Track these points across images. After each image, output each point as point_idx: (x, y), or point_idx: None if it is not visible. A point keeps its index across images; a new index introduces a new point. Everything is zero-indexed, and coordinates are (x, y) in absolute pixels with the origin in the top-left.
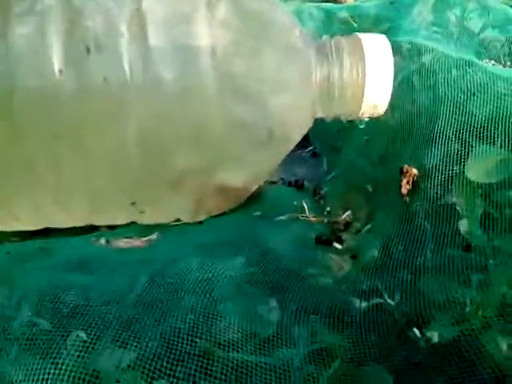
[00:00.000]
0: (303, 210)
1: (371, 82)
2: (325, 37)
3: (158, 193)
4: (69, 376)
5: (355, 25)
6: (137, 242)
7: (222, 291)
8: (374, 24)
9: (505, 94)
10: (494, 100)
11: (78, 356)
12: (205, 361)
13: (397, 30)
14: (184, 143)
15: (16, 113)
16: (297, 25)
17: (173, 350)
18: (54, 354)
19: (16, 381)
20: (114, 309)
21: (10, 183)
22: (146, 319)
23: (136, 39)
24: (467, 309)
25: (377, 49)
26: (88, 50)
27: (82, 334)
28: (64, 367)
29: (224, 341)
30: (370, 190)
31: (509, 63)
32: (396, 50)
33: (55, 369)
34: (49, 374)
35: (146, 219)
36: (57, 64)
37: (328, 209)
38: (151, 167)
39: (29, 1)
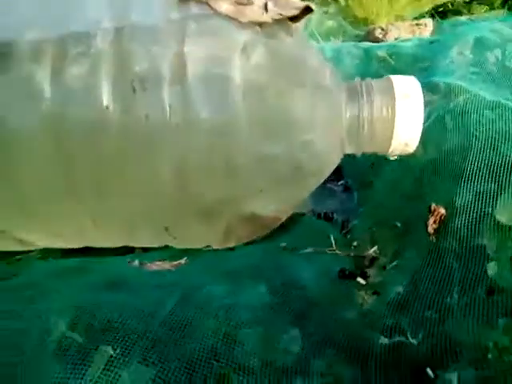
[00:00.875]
0: (330, 243)
1: (401, 120)
2: (356, 79)
3: (190, 221)
4: None
5: (393, 63)
6: (167, 266)
7: (242, 318)
8: (412, 63)
9: None
10: None
11: (104, 369)
12: None
13: (433, 70)
14: (215, 177)
15: (66, 140)
16: (328, 66)
17: (191, 372)
18: (82, 366)
19: None
20: (141, 327)
21: (54, 203)
22: (169, 341)
23: (176, 81)
24: (490, 354)
25: (407, 88)
26: (134, 90)
27: (109, 350)
28: (89, 378)
29: (242, 366)
30: (399, 226)
31: None
32: (430, 89)
33: (81, 379)
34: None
35: (179, 244)
36: (105, 100)
37: (355, 243)
38: (184, 197)
39: (85, 45)
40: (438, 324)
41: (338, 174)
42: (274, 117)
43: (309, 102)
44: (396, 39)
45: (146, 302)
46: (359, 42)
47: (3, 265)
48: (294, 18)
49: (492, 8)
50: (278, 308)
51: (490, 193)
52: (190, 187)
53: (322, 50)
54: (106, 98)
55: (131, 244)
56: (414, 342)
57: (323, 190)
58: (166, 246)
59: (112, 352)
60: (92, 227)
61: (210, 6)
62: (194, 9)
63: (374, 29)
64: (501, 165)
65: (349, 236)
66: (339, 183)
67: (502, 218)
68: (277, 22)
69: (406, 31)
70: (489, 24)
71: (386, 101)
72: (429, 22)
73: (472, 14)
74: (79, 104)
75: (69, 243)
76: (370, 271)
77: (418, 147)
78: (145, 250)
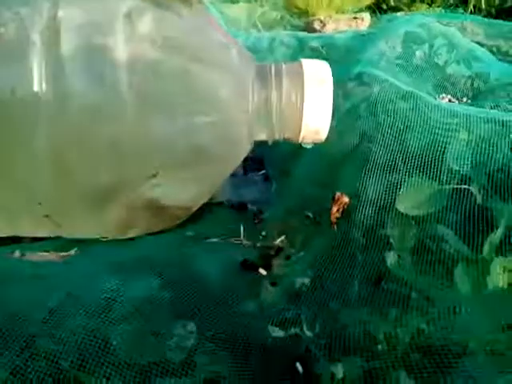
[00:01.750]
0: (239, 234)
1: (310, 106)
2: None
3: (74, 208)
4: None
5: (324, 53)
6: (52, 257)
7: (117, 314)
8: (344, 54)
9: (439, 128)
10: (429, 133)
11: None
12: None
13: (362, 62)
14: (98, 159)
15: None
16: (234, 45)
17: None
18: None
19: None
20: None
21: None
22: (42, 337)
23: (48, 49)
24: (379, 346)
25: (318, 74)
26: None
27: None
28: None
29: (105, 365)
30: (311, 216)
31: (465, 99)
32: (348, 78)
33: None
34: None
35: (68, 234)
36: None
37: (264, 233)
38: (64, 182)
39: None
40: (335, 316)
41: (259, 163)
42: (163, 95)
43: (207, 80)
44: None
45: (23, 297)
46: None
47: None
48: None
49: (432, 5)
50: (168, 301)
51: (393, 183)
52: (69, 171)
53: (259, 39)
54: None
55: (15, 233)
56: (309, 334)
57: (244, 179)
58: (58, 237)
59: None
60: None
61: None
62: None
63: (313, 21)
64: (403, 155)
65: (259, 226)
66: (260, 173)
67: (401, 207)
68: None
69: (344, 24)
70: (419, 19)
71: (295, 86)
72: (366, 16)
73: (411, 11)
74: None
75: None
76: (275, 262)
77: (332, 135)
78: (34, 239)
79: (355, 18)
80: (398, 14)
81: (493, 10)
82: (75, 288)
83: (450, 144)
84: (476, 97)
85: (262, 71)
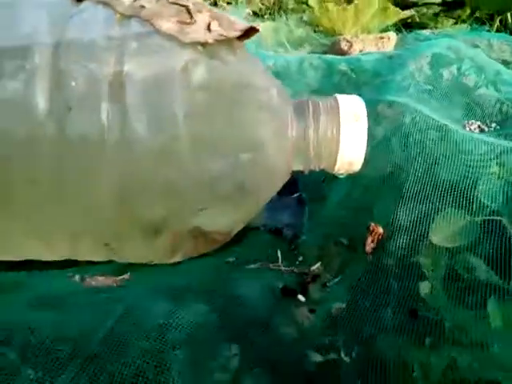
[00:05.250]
0: (277, 259)
1: (345, 142)
2: (305, 96)
3: (131, 237)
4: None
5: (354, 76)
6: (108, 281)
7: (173, 339)
8: (371, 77)
9: (471, 160)
10: (461, 166)
11: None
12: None
13: (390, 85)
14: (154, 195)
15: (2, 156)
16: (274, 84)
17: None
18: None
19: None
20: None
21: None
22: (103, 360)
23: (115, 100)
24: (414, 373)
25: (352, 110)
26: (69, 108)
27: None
28: None
29: None
30: (345, 243)
31: (494, 125)
32: (382, 107)
33: None
34: None
35: (119, 258)
36: (41, 117)
37: (300, 258)
38: (124, 215)
39: (21, 60)
40: (371, 342)
41: (293, 186)
42: (213, 136)
43: (251, 122)
44: (360, 51)
45: (84, 320)
46: (325, 52)
47: None
48: (239, 38)
49: (459, 21)
50: (216, 325)
51: (426, 214)
52: (129, 205)
53: (289, 62)
54: (42, 115)
55: (74, 257)
56: (346, 359)
57: (277, 202)
58: (110, 260)
59: (33, 375)
60: (32, 239)
61: (151, 24)
62: (135, 27)
63: (340, 41)
64: (436, 187)
65: (296, 251)
66: (293, 196)
67: (434, 238)
68: (220, 42)
69: (370, 44)
70: (447, 41)
71: (332, 122)
72: (392, 35)
73: (437, 28)
74: (14, 120)
75: (3, 255)
76: (312, 287)
77: (365, 165)
78: (88, 262)
79: (381, 37)
80: (424, 31)
81: None
82: (131, 311)
83: (481, 177)
84: (505, 122)
85: (300, 108)
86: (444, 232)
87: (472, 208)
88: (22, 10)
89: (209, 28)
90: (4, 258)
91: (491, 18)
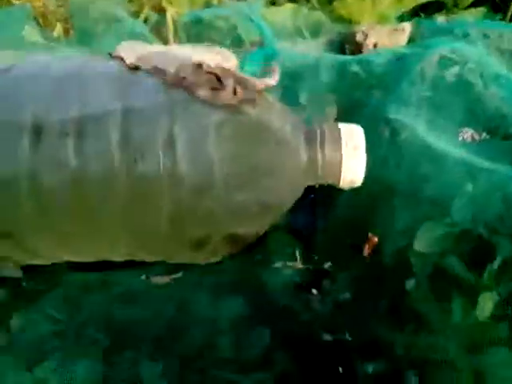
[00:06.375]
0: (295, 257)
1: (346, 166)
2: (314, 123)
3: (181, 249)
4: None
5: (363, 78)
6: (166, 279)
7: (221, 327)
8: (379, 81)
9: (450, 179)
10: (441, 184)
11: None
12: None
13: (394, 91)
14: (200, 219)
15: (88, 196)
16: (289, 119)
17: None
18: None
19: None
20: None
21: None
22: (169, 344)
23: (168, 153)
24: (398, 351)
25: (352, 141)
26: (135, 160)
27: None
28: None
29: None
30: (352, 243)
31: (484, 134)
32: (381, 123)
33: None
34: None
35: (171, 262)
36: (115, 168)
37: (316, 257)
38: (176, 234)
39: (98, 125)
40: (369, 325)
41: (308, 187)
42: (242, 173)
43: (270, 157)
44: (374, 45)
45: (153, 311)
46: (341, 43)
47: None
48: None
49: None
50: (250, 314)
51: (411, 225)
52: (180, 227)
53: (305, 60)
54: (116, 166)
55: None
56: (349, 338)
57: (294, 204)
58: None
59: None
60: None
61: (190, 91)
62: (177, 94)
63: (356, 32)
64: (419, 202)
65: (311, 250)
66: (308, 197)
67: (418, 247)
68: (243, 101)
69: (385, 36)
70: (452, 43)
71: (335, 150)
72: (407, 26)
73: (453, 10)
74: (98, 170)
75: (77, 257)
76: (324, 282)
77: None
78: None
79: (395, 29)
80: (439, 19)
81: None
82: (187, 305)
83: (456, 195)
84: (497, 129)
85: (309, 137)
86: (425, 240)
87: (448, 221)
88: (89, 80)
89: (235, 92)
90: (72, 259)
91: (506, 4)
